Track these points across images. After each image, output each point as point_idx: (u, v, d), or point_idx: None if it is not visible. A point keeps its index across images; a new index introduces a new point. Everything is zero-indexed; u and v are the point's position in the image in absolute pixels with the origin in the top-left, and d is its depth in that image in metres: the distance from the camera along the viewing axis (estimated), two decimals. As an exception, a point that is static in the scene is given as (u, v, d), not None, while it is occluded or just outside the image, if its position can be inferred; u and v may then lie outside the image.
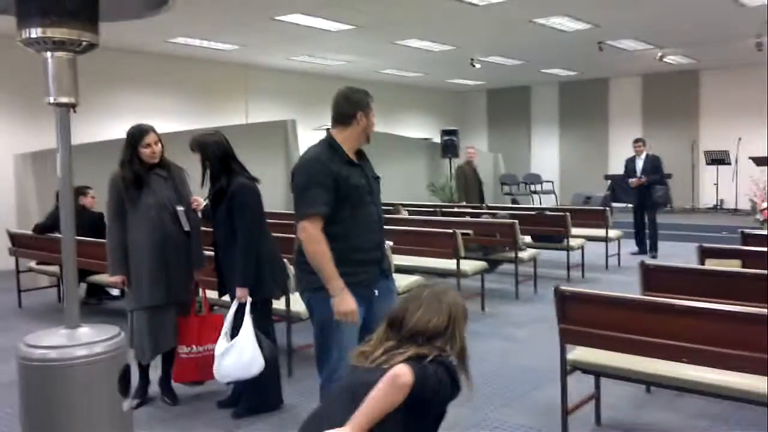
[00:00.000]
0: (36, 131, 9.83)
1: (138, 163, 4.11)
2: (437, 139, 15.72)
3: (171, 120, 11.07)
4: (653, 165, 9.85)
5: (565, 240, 8.16)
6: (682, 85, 15.72)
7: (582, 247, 8.45)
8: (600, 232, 8.83)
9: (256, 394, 4.13)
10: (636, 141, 10.21)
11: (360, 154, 3.28)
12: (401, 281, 5.99)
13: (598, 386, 3.88)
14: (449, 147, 14.96)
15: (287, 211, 10.09)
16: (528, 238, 8.42)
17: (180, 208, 4.15)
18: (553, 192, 16.57)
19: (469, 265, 6.61)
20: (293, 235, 6.68)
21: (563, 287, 3.51)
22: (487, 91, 19.01)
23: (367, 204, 3.17)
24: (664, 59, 12.84)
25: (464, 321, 2.31)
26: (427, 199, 13.48)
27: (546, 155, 17.99)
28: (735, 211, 14.07)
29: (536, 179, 16.77)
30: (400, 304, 2.35)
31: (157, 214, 4.09)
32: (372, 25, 9.99)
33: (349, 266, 3.04)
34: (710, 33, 11.27)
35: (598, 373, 3.69)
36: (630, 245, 9.83)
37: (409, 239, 6.74)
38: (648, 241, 9.87)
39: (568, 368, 3.57)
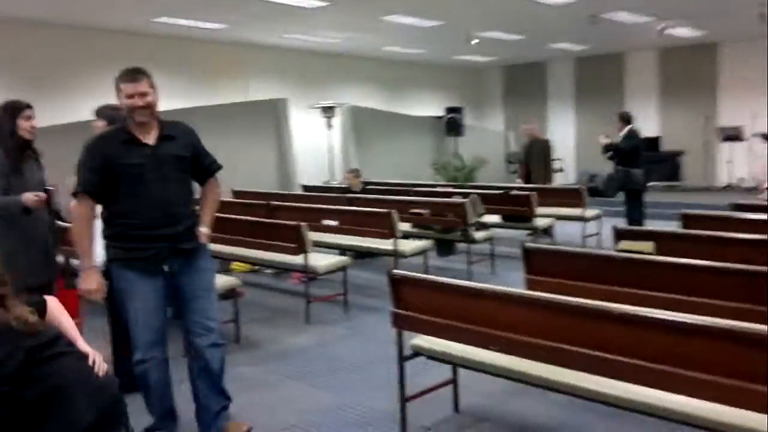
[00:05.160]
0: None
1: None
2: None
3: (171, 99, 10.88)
4: None
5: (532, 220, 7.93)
6: (699, 59, 15.01)
7: (550, 227, 8.21)
8: (576, 211, 8.54)
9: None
10: None
11: (165, 133, 3.22)
12: (327, 260, 5.93)
13: (455, 372, 3.74)
14: (453, 125, 14.70)
15: (277, 191, 10.12)
16: (497, 218, 8.25)
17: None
18: (561, 170, 16.07)
19: (408, 245, 6.48)
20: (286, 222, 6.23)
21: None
22: (503, 68, 18.55)
23: (148, 182, 3.14)
24: (666, 32, 12.19)
25: None
26: (431, 178, 13.22)
27: (561, 132, 17.43)
28: (753, 189, 13.45)
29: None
30: None
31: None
32: (346, 0, 9.75)
33: (130, 242, 3.12)
34: (711, 4, 10.69)
35: (450, 362, 3.52)
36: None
37: (349, 219, 6.65)
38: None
39: (409, 354, 3.44)
